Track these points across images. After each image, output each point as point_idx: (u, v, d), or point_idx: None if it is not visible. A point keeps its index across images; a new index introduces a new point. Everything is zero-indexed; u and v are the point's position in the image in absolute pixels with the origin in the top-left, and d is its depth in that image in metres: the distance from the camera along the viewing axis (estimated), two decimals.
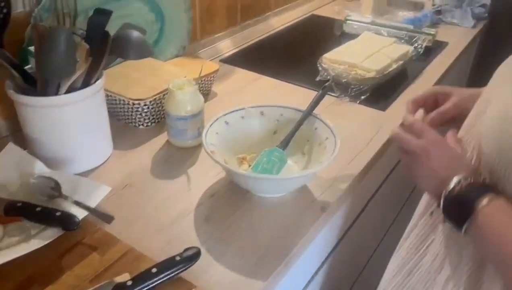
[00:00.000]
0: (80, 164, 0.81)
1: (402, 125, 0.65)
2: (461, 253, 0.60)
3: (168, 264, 0.59)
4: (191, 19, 1.16)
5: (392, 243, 0.75)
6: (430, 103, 0.73)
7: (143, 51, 0.80)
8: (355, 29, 1.46)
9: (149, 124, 0.96)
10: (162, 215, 0.73)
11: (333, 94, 1.08)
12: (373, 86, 1.11)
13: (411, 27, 1.43)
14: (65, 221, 0.63)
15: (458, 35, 1.51)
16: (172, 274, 0.58)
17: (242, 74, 1.20)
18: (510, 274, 0.50)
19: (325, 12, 1.70)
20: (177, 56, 1.16)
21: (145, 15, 1.06)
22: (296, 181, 0.77)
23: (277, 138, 0.84)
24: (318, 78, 1.16)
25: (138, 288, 0.56)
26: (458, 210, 0.54)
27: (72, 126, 0.78)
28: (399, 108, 1.06)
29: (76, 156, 0.80)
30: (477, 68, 1.79)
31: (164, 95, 0.93)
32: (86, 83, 0.77)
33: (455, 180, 0.54)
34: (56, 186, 0.70)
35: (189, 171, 0.83)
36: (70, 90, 0.75)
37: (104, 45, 0.77)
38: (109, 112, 0.86)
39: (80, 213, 0.65)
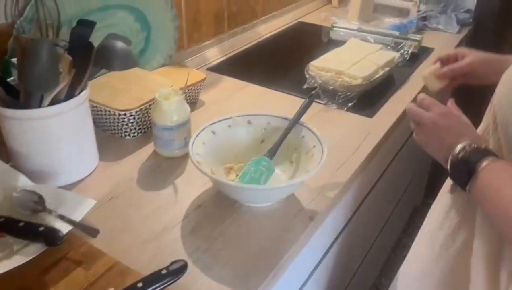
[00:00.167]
0: (66, 176, 0.80)
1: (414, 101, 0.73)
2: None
3: (154, 278, 0.58)
4: (177, 28, 1.16)
5: (382, 249, 0.75)
6: (452, 60, 0.89)
7: (128, 62, 0.79)
8: (342, 36, 1.47)
9: (135, 134, 0.95)
10: (149, 227, 0.72)
11: (320, 101, 1.08)
12: (360, 93, 1.11)
13: (397, 33, 1.44)
14: (49, 236, 0.62)
15: (444, 41, 1.52)
16: (159, 289, 0.58)
17: (229, 82, 1.20)
18: (509, 226, 0.55)
19: (312, 19, 1.71)
20: (163, 65, 1.16)
21: (131, 24, 1.06)
22: (284, 191, 0.76)
23: (264, 147, 0.83)
24: (305, 86, 1.16)
25: None
26: (462, 172, 0.61)
27: (56, 139, 0.77)
28: (386, 114, 1.06)
29: (61, 169, 0.79)
30: None
31: (150, 105, 0.92)
32: (70, 95, 0.76)
33: (459, 146, 0.61)
34: (40, 200, 0.68)
35: (176, 182, 0.83)
36: (53, 102, 0.74)
37: (88, 57, 0.76)
38: (94, 123, 0.85)
39: (64, 228, 0.64)
